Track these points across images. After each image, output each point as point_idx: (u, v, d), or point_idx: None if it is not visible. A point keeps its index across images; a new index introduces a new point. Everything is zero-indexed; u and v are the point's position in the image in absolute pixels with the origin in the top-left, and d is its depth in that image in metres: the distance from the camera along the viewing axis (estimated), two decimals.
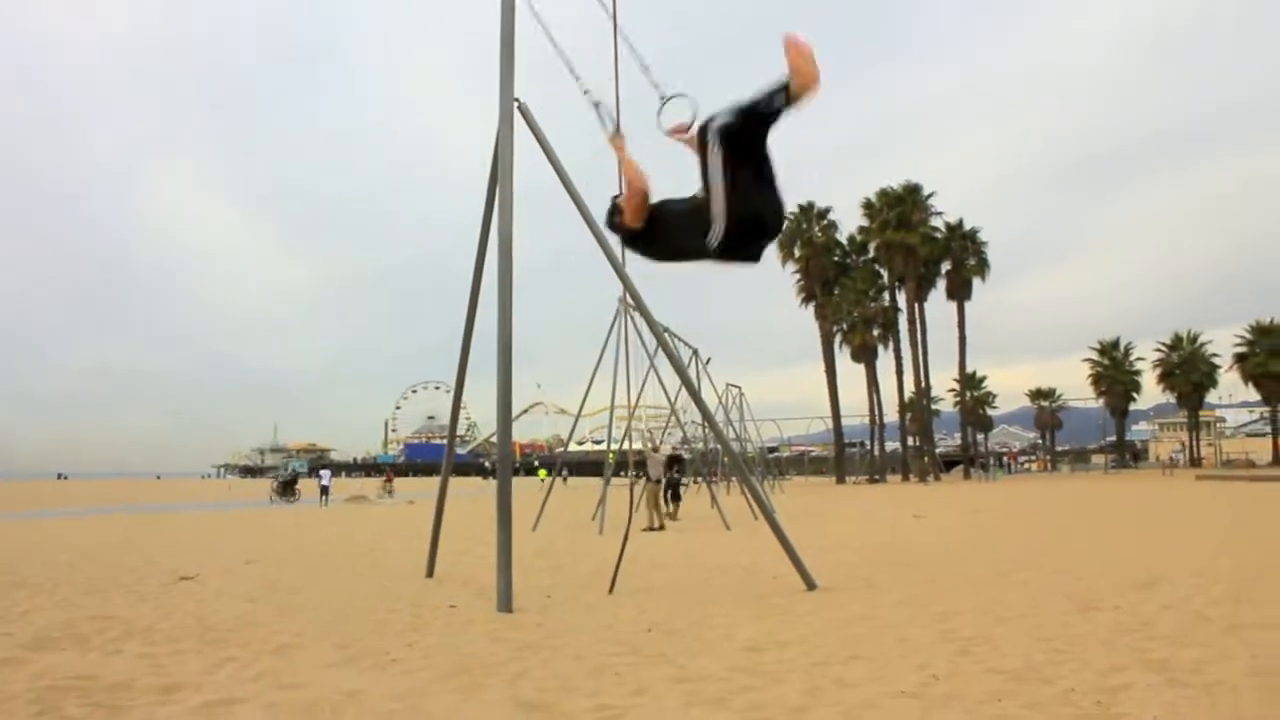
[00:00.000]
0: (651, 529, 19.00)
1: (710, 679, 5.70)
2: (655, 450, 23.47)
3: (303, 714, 5.05)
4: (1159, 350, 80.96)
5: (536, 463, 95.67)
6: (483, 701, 5.29)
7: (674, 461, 24.15)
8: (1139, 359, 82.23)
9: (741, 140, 4.01)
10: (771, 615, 8.09)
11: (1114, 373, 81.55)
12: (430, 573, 11.21)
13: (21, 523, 24.06)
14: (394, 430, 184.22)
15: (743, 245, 4.18)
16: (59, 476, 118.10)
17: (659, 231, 4.51)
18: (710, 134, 4.03)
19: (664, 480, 21.75)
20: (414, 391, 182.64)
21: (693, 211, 4.24)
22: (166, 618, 8.14)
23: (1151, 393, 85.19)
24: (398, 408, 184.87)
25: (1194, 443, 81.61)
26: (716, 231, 4.08)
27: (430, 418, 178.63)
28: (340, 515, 28.09)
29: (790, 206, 66.33)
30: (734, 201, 4.03)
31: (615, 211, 4.67)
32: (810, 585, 9.61)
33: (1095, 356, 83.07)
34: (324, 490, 39.20)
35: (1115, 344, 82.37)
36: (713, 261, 4.36)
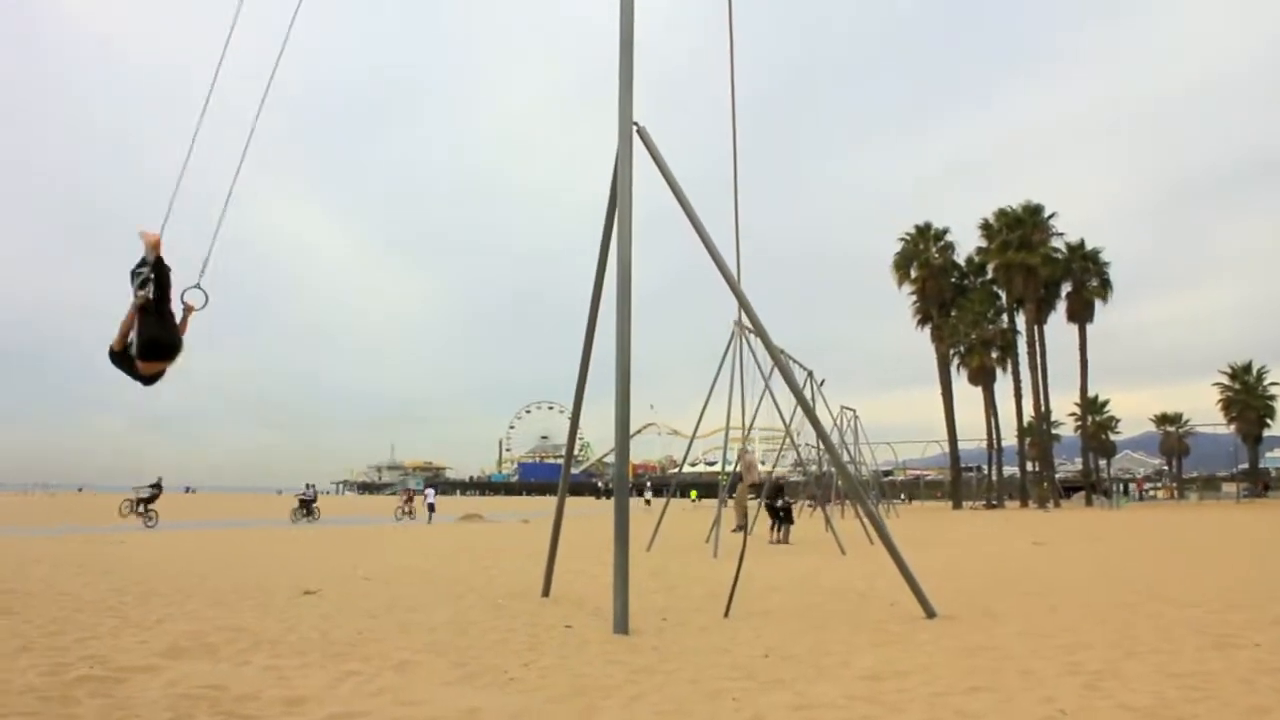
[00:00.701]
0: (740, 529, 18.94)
1: (829, 706, 5.62)
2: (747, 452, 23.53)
3: None
4: None
5: (648, 483, 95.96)
6: None
7: (778, 490, 24.08)
8: (1273, 383, 79.06)
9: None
10: (890, 643, 7.95)
11: (1246, 397, 78.45)
12: (546, 592, 11.27)
13: (149, 533, 24.91)
14: (508, 449, 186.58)
15: (151, 357, 6.56)
16: (186, 490, 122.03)
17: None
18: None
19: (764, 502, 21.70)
20: (528, 411, 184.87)
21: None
22: (291, 630, 8.35)
23: None
24: (511, 427, 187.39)
25: None
26: (135, 344, 6.46)
27: (544, 437, 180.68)
28: (453, 533, 28.47)
29: (907, 227, 65.68)
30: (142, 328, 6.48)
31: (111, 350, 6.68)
32: (929, 613, 9.42)
33: (1226, 380, 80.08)
34: (430, 508, 39.83)
35: (1247, 367, 79.30)
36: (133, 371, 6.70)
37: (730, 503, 24.99)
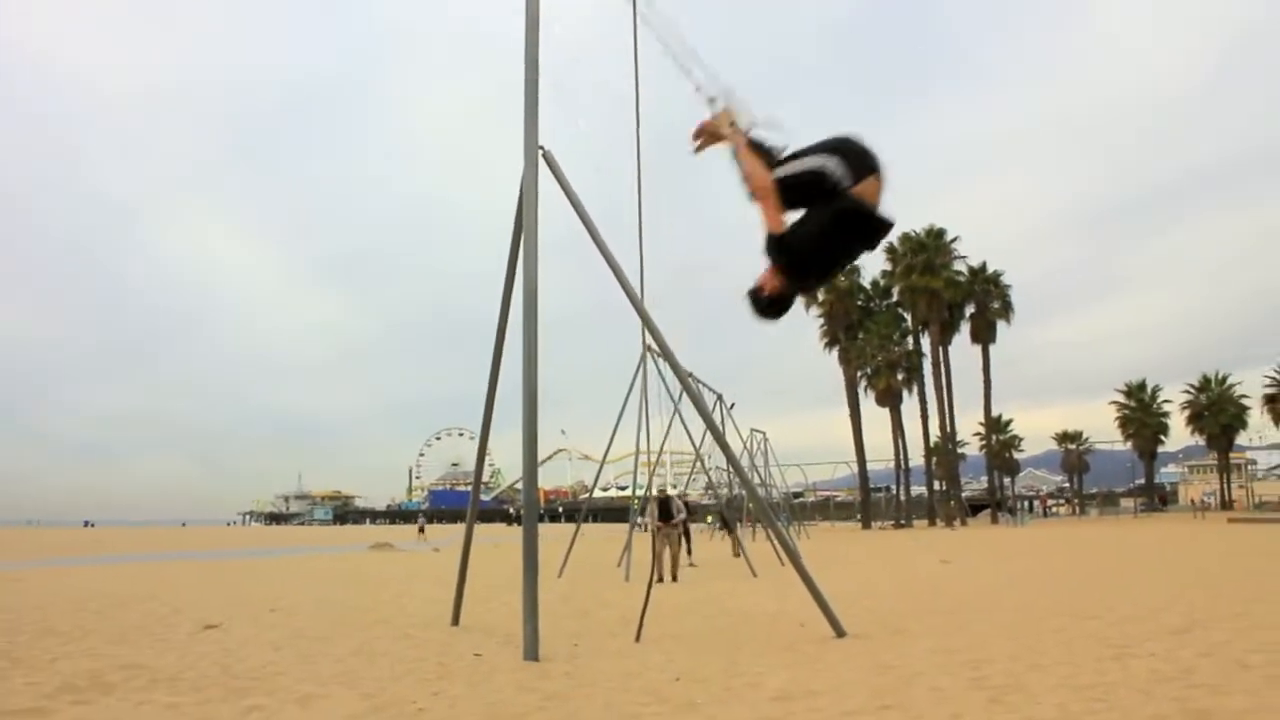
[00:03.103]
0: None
1: None
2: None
3: None
4: (1187, 392, 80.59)
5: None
6: None
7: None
8: (1166, 401, 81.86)
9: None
10: (800, 663, 7.99)
11: (1141, 415, 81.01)
12: (456, 620, 11.14)
13: (50, 570, 24.08)
14: (418, 477, 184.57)
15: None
16: (85, 524, 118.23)
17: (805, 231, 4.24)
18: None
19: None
20: (438, 438, 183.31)
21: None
22: (192, 666, 8.10)
23: (1180, 435, 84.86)
24: (421, 454, 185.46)
25: (1225, 485, 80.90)
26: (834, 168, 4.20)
27: (454, 464, 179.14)
28: (364, 563, 28.04)
29: None
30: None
31: (758, 291, 4.33)
32: (839, 632, 9.50)
33: (1122, 399, 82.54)
34: None
35: (1142, 386, 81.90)
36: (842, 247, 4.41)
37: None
